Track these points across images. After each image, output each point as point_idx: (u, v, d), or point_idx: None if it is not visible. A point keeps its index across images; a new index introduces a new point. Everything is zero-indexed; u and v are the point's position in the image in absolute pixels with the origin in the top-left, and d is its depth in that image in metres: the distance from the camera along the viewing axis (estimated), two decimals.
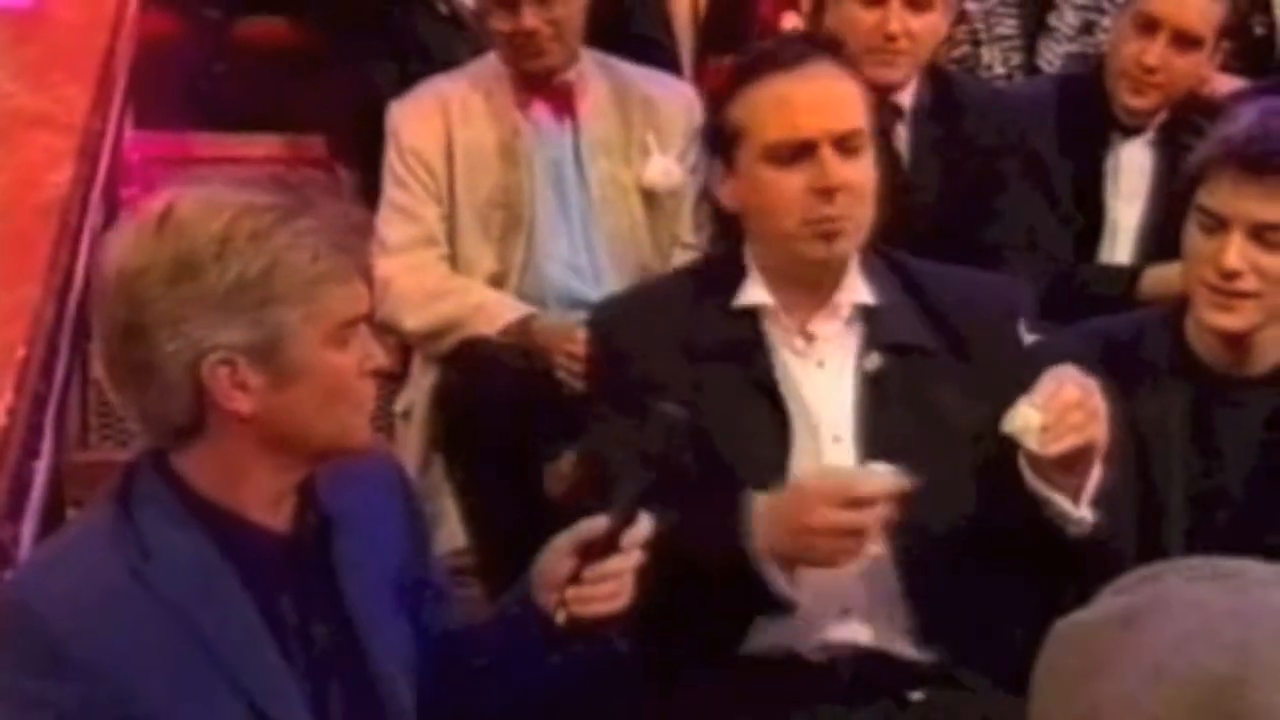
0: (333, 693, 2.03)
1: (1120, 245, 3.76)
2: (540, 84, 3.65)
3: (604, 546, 2.06)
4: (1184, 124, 3.66)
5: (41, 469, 3.02)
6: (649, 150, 3.67)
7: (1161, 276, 3.48)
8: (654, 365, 2.48)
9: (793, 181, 2.45)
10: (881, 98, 3.57)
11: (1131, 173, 3.76)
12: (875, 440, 2.45)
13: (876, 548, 2.33)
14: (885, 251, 2.58)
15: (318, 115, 4.47)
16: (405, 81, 3.84)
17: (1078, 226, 3.74)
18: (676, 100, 3.71)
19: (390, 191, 3.63)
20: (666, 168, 3.65)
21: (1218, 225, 2.63)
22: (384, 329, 3.32)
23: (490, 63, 3.70)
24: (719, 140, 2.52)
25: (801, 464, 2.45)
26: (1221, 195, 2.62)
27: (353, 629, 2.05)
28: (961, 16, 4.28)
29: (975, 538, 2.41)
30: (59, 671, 1.88)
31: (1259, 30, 4.42)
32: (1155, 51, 3.65)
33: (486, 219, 3.62)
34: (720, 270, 2.57)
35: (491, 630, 2.17)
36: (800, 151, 2.45)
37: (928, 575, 2.43)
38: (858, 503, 2.27)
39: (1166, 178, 3.61)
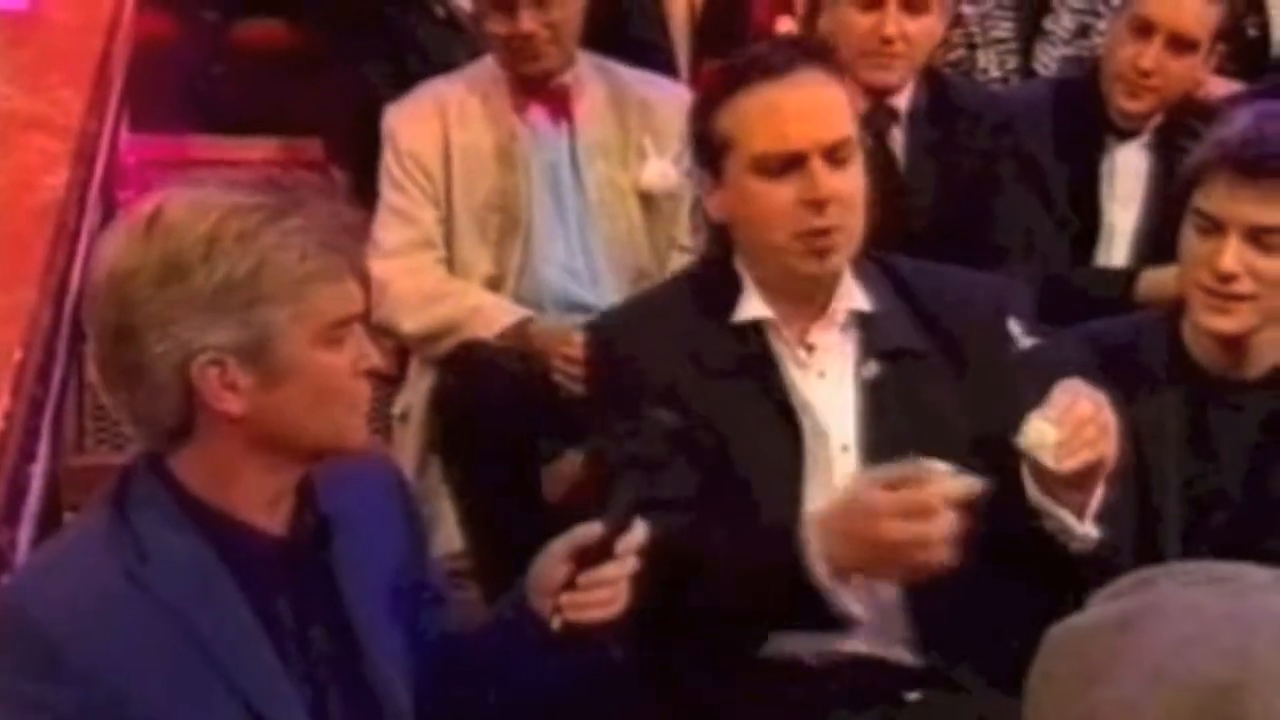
0: (330, 694, 2.03)
1: (1116, 248, 3.76)
2: (537, 87, 3.65)
3: (599, 553, 2.05)
4: (1179, 127, 3.66)
5: (38, 473, 3.01)
6: (646, 153, 3.66)
7: (1158, 279, 3.48)
8: (659, 374, 2.45)
9: (782, 193, 2.43)
10: (877, 101, 3.59)
11: (1127, 176, 3.76)
12: (878, 448, 2.43)
13: (948, 555, 2.20)
14: (877, 255, 2.57)
15: (315, 118, 4.46)
16: (402, 84, 3.83)
17: (1074, 230, 3.74)
18: (673, 103, 3.69)
19: (387, 194, 3.63)
20: (663, 170, 3.65)
21: (1214, 228, 2.63)
22: (381, 331, 3.33)
23: (487, 66, 3.69)
24: (706, 150, 2.50)
25: (815, 475, 2.43)
26: (1217, 198, 2.62)
27: (350, 631, 2.05)
28: (957, 20, 4.27)
29: (975, 544, 2.40)
30: (56, 675, 1.88)
31: (1252, 32, 4.42)
32: (1151, 55, 3.65)
33: (483, 222, 3.61)
34: (716, 279, 2.55)
35: (488, 634, 2.17)
36: (790, 163, 2.42)
37: (927, 584, 2.39)
38: (925, 512, 2.19)
39: (1162, 181, 3.61)
